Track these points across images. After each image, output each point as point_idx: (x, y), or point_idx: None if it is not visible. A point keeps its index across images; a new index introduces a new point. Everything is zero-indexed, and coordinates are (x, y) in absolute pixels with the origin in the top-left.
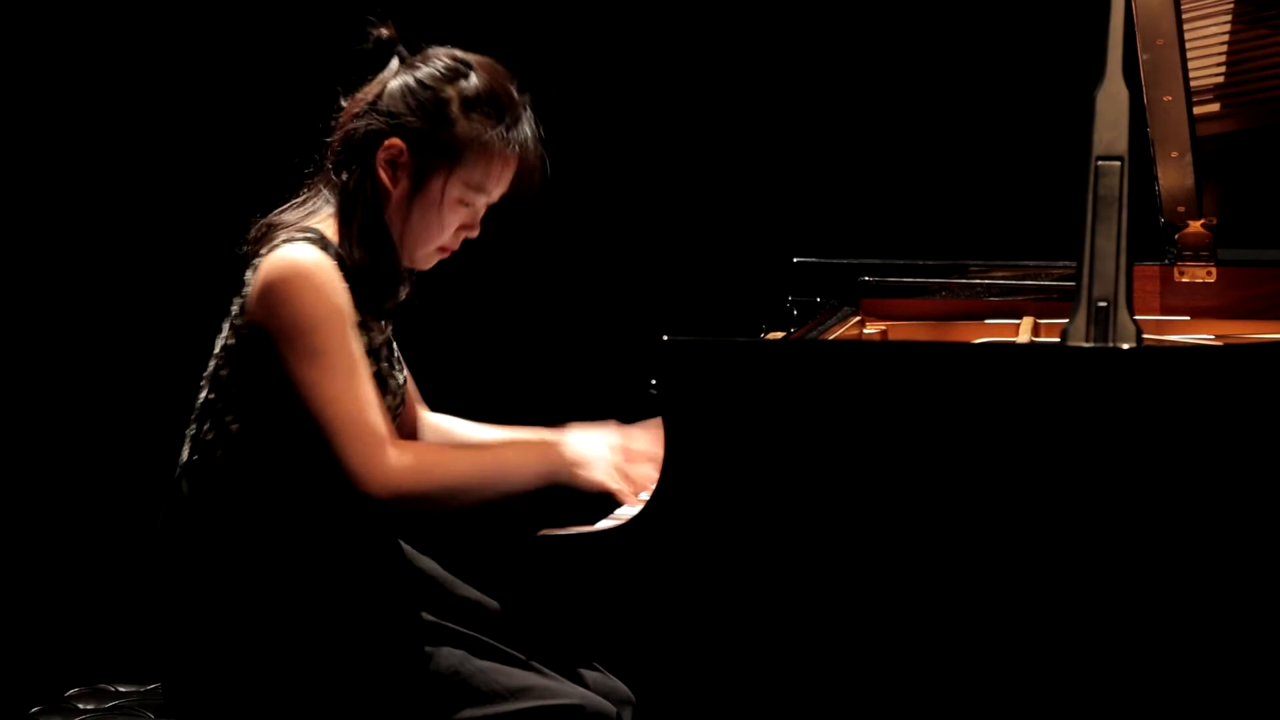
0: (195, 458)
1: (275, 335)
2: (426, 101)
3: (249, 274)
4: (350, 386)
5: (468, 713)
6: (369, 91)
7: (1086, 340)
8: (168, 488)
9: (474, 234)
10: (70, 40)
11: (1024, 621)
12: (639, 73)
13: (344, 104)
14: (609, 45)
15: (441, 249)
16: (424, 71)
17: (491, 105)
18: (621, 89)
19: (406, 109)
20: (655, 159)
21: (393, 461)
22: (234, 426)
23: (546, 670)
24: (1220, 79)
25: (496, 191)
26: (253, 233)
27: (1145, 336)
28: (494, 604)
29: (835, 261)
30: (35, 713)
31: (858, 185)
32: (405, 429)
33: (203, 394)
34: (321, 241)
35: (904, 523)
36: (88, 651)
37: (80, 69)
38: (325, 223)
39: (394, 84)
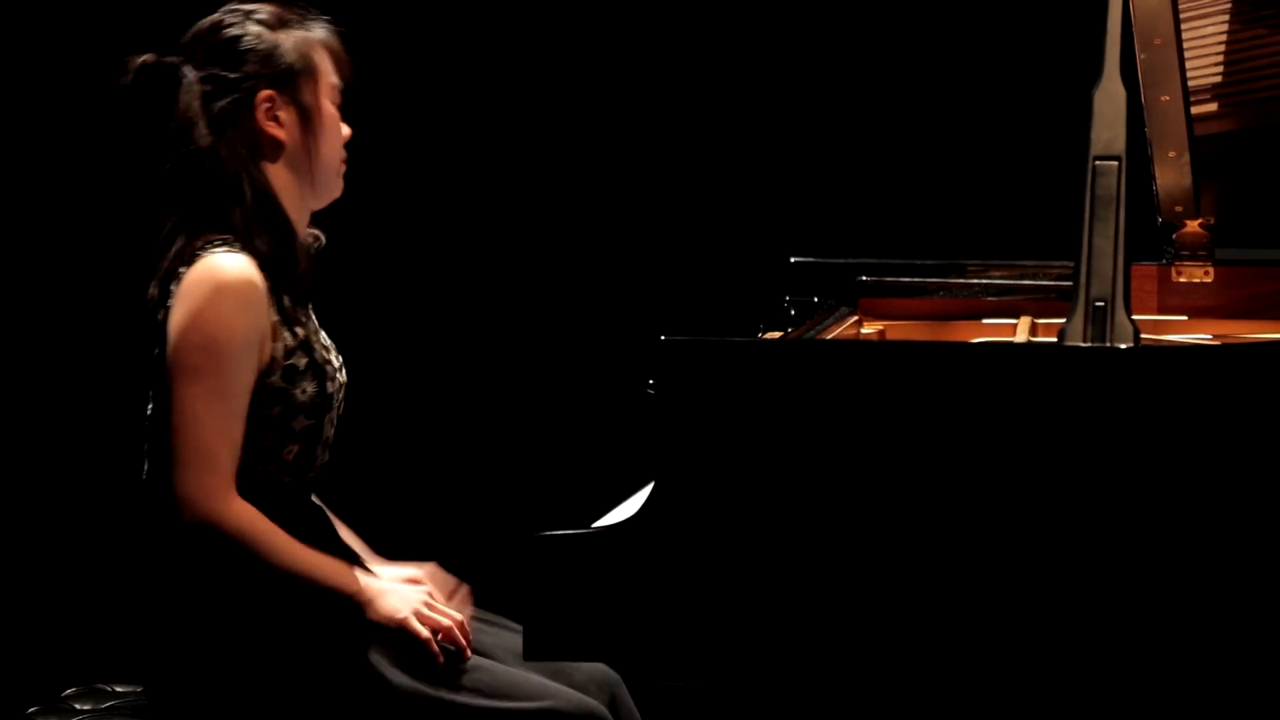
0: (151, 472)
1: (170, 340)
2: (253, 49)
3: (173, 285)
4: (216, 415)
5: (462, 712)
6: (190, 99)
7: (1084, 340)
8: (131, 504)
9: (349, 132)
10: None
11: (1021, 620)
12: (637, 72)
13: (177, 125)
14: (608, 45)
15: (342, 160)
16: (221, 42)
17: (291, 14)
18: (620, 89)
19: (249, 66)
20: (653, 159)
21: (222, 504)
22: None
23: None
24: (1218, 78)
25: (339, 79)
26: (172, 250)
27: (1143, 336)
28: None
29: (833, 261)
30: (32, 713)
31: (855, 185)
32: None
33: (149, 407)
34: (242, 244)
35: (902, 522)
36: (85, 651)
37: (57, 70)
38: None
39: (201, 75)
